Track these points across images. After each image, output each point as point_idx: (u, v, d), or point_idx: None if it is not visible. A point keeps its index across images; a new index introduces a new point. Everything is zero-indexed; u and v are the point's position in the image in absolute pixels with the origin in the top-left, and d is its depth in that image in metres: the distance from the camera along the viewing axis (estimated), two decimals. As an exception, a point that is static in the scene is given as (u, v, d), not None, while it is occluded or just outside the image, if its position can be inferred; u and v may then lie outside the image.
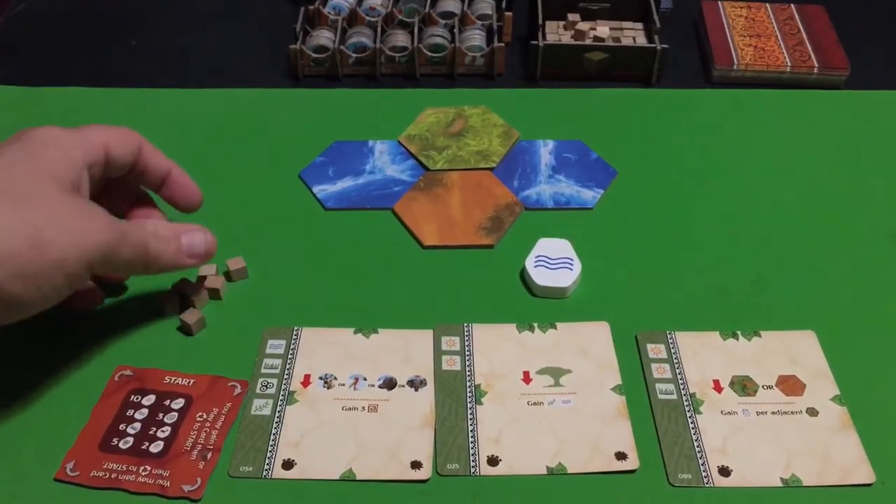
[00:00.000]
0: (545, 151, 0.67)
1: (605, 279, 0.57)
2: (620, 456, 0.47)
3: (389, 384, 0.51)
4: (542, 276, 0.56)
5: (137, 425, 0.48)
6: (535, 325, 0.54)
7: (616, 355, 0.52)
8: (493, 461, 0.47)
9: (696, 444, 0.47)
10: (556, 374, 0.51)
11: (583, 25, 0.77)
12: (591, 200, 0.63)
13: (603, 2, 0.79)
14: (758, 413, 0.49)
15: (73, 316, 0.54)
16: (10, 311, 0.43)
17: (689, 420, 0.49)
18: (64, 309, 0.49)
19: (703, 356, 0.52)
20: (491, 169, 0.65)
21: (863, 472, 0.46)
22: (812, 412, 0.49)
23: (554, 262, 0.57)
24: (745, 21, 0.80)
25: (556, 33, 0.78)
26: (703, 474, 0.46)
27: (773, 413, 0.49)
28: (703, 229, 0.61)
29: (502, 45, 0.75)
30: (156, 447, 0.47)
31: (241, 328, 0.54)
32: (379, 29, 0.75)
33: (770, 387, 0.50)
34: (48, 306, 0.44)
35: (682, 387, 0.50)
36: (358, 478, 0.46)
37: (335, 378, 0.51)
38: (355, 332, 0.53)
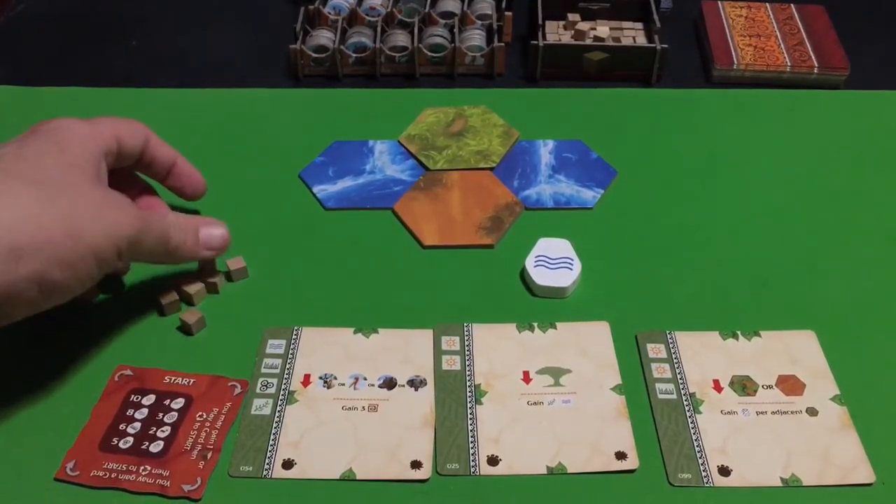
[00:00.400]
0: (545, 151, 0.67)
1: (605, 279, 0.57)
2: (620, 456, 0.47)
3: (389, 384, 0.51)
4: (542, 276, 0.56)
5: (137, 425, 0.48)
6: (535, 324, 0.54)
7: (616, 355, 0.52)
8: (492, 461, 0.47)
9: (695, 443, 0.47)
10: (556, 373, 0.51)
11: (583, 25, 0.77)
12: (591, 200, 0.63)
13: (603, 2, 0.79)
14: (758, 413, 0.49)
15: (73, 316, 0.54)
16: (48, 298, 0.44)
17: (689, 420, 0.49)
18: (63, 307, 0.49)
19: (703, 356, 0.52)
20: (491, 169, 0.65)
21: (862, 472, 0.46)
22: (812, 412, 0.49)
23: (554, 261, 0.57)
24: (745, 21, 0.80)
25: (556, 33, 0.78)
26: (703, 474, 0.46)
27: (773, 413, 0.49)
28: (703, 229, 0.61)
29: (502, 44, 0.75)
30: (156, 447, 0.47)
31: (241, 328, 0.54)
32: (379, 29, 0.75)
33: (770, 386, 0.50)
34: (80, 291, 0.46)
35: (681, 386, 0.50)
36: (358, 477, 0.46)
37: (335, 378, 0.51)
38: (355, 332, 0.53)
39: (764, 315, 0.55)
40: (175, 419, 0.48)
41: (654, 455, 0.47)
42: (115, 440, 0.47)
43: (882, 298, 0.56)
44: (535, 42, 0.73)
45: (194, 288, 0.55)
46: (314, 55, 0.74)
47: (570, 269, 0.56)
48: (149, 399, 0.49)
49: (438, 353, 0.52)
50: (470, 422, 0.48)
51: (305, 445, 0.47)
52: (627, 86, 0.75)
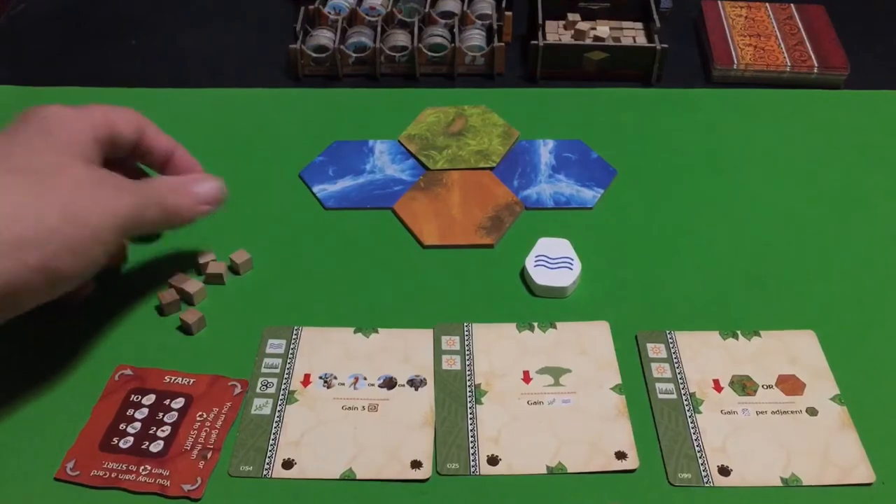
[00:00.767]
0: (545, 151, 0.67)
1: (604, 278, 0.57)
2: (620, 455, 0.47)
3: (389, 384, 0.51)
4: (541, 276, 0.56)
5: (138, 425, 0.48)
6: (535, 324, 0.54)
7: (616, 355, 0.52)
8: (492, 461, 0.47)
9: (695, 443, 0.47)
10: (555, 373, 0.51)
11: (583, 25, 0.77)
12: (590, 200, 0.63)
13: (603, 1, 0.79)
14: (757, 412, 0.49)
15: (73, 315, 0.54)
16: (54, 287, 0.44)
17: (689, 419, 0.49)
18: (61, 304, 0.49)
19: (703, 355, 0.52)
20: (491, 168, 0.65)
21: (862, 472, 0.46)
22: (812, 412, 0.49)
23: (554, 261, 0.57)
24: (744, 21, 0.80)
25: (555, 33, 0.78)
26: (703, 474, 0.46)
27: (773, 412, 0.49)
28: (703, 228, 0.61)
29: (502, 44, 0.75)
30: (156, 447, 0.47)
31: (241, 327, 0.54)
32: (379, 28, 0.75)
33: (770, 386, 0.50)
34: (88, 278, 0.46)
35: (681, 386, 0.50)
36: (358, 477, 0.46)
37: (335, 377, 0.51)
38: (355, 332, 0.53)
39: (764, 315, 0.55)
40: (175, 419, 0.48)
41: (654, 455, 0.47)
42: (115, 440, 0.47)
43: (882, 298, 0.56)
44: (535, 42, 0.73)
45: (194, 288, 0.55)
46: (314, 55, 0.74)
47: (570, 268, 0.56)
48: (149, 399, 0.49)
49: (438, 352, 0.52)
50: (470, 421, 0.48)
51: (305, 445, 0.47)
52: (627, 85, 0.75)
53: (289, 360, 0.52)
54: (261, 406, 0.49)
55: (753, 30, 0.78)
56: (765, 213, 0.62)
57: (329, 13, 0.77)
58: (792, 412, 0.49)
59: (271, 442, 0.47)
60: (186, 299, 0.55)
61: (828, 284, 0.57)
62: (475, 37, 0.76)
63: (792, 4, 0.82)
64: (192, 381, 0.50)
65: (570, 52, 0.74)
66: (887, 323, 0.54)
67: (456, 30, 0.75)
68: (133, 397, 0.49)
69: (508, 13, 0.78)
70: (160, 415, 0.48)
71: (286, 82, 0.75)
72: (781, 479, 0.46)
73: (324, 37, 0.75)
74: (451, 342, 0.53)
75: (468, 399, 0.50)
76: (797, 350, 0.52)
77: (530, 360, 0.52)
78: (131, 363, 0.51)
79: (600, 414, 0.49)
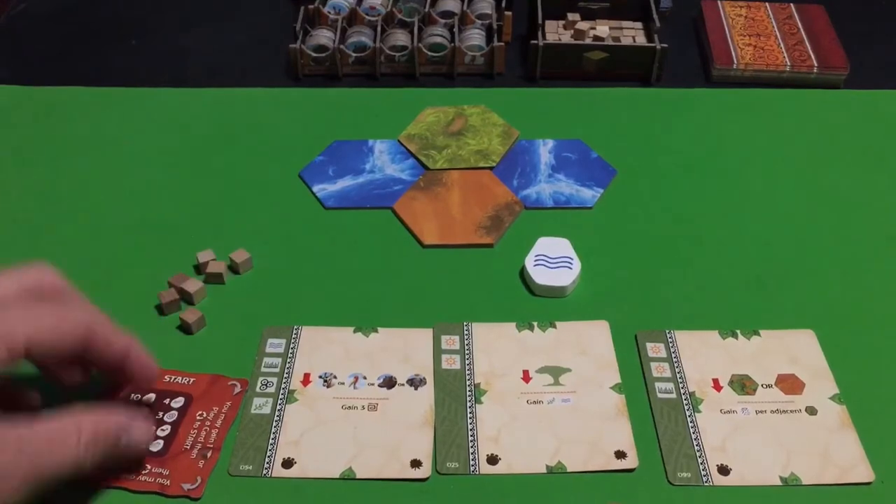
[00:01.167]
0: (545, 151, 0.67)
1: (604, 278, 0.57)
2: (620, 455, 0.47)
3: (389, 383, 0.51)
4: (541, 275, 0.56)
5: None
6: (535, 324, 0.54)
7: (615, 354, 0.52)
8: (492, 460, 0.47)
9: (695, 442, 0.47)
10: (555, 372, 0.51)
11: (582, 25, 0.77)
12: (590, 199, 0.63)
13: (602, 1, 0.79)
14: (757, 412, 0.49)
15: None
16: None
17: (689, 419, 0.49)
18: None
19: (703, 355, 0.52)
20: (491, 168, 0.65)
21: (862, 471, 0.46)
22: (811, 411, 0.49)
23: (553, 261, 0.57)
24: (744, 20, 0.80)
25: (555, 33, 0.78)
26: (703, 473, 0.46)
27: (773, 412, 0.49)
28: (703, 228, 0.61)
29: (502, 44, 0.75)
30: (156, 446, 0.47)
31: (241, 327, 0.54)
32: (379, 28, 0.76)
33: (769, 385, 0.51)
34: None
35: (681, 385, 0.50)
36: (358, 476, 0.46)
37: (335, 377, 0.51)
38: (355, 331, 0.54)
39: (763, 314, 0.55)
40: (175, 418, 0.48)
41: (654, 454, 0.47)
42: None
43: (881, 298, 0.56)
44: (535, 41, 0.73)
45: (194, 287, 0.55)
46: (314, 54, 0.75)
47: (570, 268, 0.56)
48: (148, 398, 0.49)
49: (438, 352, 0.52)
50: (469, 421, 0.49)
51: (305, 444, 0.47)
52: (627, 85, 0.75)
53: (289, 360, 0.52)
54: (261, 405, 0.49)
55: (753, 29, 0.78)
56: (764, 213, 0.62)
57: (329, 13, 0.77)
58: (791, 411, 0.49)
59: (271, 441, 0.47)
60: (186, 299, 0.55)
61: (827, 284, 0.57)
62: (475, 36, 0.76)
63: (791, 4, 0.82)
64: (191, 380, 0.50)
65: (570, 52, 0.74)
66: (887, 322, 0.54)
67: (456, 29, 0.75)
68: (133, 396, 0.49)
69: (508, 13, 0.78)
70: (160, 414, 0.48)
71: (286, 82, 0.75)
72: (781, 478, 0.46)
73: (324, 36, 0.75)
74: (450, 342, 0.53)
75: (468, 398, 0.50)
76: (797, 349, 0.52)
77: (530, 360, 0.52)
78: (131, 362, 0.51)
79: (600, 413, 0.49)
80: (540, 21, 0.76)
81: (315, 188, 0.64)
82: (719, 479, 0.46)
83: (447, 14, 0.78)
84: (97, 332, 0.42)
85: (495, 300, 0.56)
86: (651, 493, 0.45)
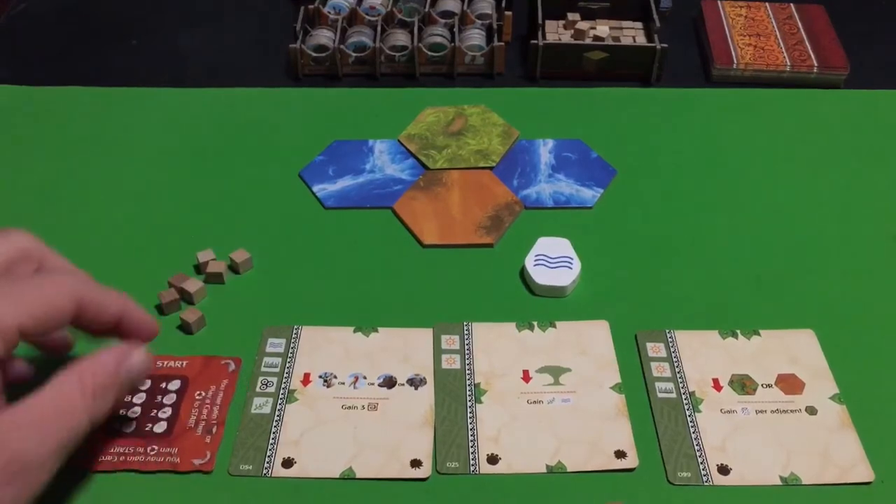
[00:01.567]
0: (545, 150, 0.67)
1: (604, 278, 0.57)
2: (620, 454, 0.47)
3: (389, 383, 0.51)
4: (541, 275, 0.56)
5: (137, 409, 0.49)
6: (535, 323, 0.54)
7: (615, 354, 0.52)
8: (492, 460, 0.47)
9: (695, 442, 0.47)
10: (555, 372, 0.51)
11: (582, 25, 0.77)
12: (590, 199, 0.63)
13: (602, 1, 0.79)
14: (757, 411, 0.49)
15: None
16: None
17: (689, 418, 0.49)
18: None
19: (703, 355, 0.52)
20: (491, 168, 0.65)
21: (862, 471, 0.46)
22: (811, 411, 0.49)
23: (553, 260, 0.57)
24: (744, 20, 0.80)
25: (555, 32, 0.78)
26: (703, 473, 0.46)
27: (773, 412, 0.49)
28: (703, 228, 0.61)
29: (502, 44, 0.75)
30: (159, 427, 0.48)
31: (240, 326, 0.54)
32: (379, 28, 0.76)
33: (769, 385, 0.51)
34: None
35: (681, 385, 0.50)
36: (358, 476, 0.46)
37: (335, 377, 0.51)
38: (355, 331, 0.54)
39: (763, 314, 0.55)
40: (174, 400, 0.49)
41: (654, 454, 0.47)
42: (117, 425, 0.48)
43: (881, 297, 0.56)
44: (535, 41, 0.73)
45: (194, 287, 0.55)
46: (314, 54, 0.75)
47: (570, 268, 0.56)
48: (144, 384, 0.50)
49: (438, 352, 0.52)
50: (470, 421, 0.49)
51: (305, 444, 0.47)
52: (627, 85, 0.75)
53: (289, 360, 0.52)
54: (261, 405, 0.49)
55: (753, 29, 0.78)
56: (764, 213, 0.62)
57: (329, 13, 0.77)
58: (791, 411, 0.49)
59: (271, 441, 0.47)
60: (186, 298, 0.55)
61: (827, 284, 0.57)
62: (475, 36, 0.76)
63: (791, 4, 0.82)
64: (184, 363, 0.51)
65: (570, 52, 0.74)
66: (886, 322, 0.54)
67: (456, 29, 0.75)
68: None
69: (508, 13, 0.78)
70: (158, 397, 0.49)
71: (286, 82, 0.75)
72: (781, 478, 0.46)
73: (324, 36, 0.75)
74: (450, 341, 0.53)
75: (468, 398, 0.50)
76: (797, 349, 0.52)
77: (530, 360, 0.52)
78: (131, 362, 0.51)
79: (600, 413, 0.49)
80: (540, 21, 0.76)
81: (315, 188, 0.64)
82: (719, 479, 0.46)
83: (447, 14, 0.78)
84: (88, 300, 0.40)
85: (495, 300, 0.56)
86: (651, 493, 0.45)
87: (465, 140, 0.67)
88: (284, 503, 0.45)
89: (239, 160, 0.66)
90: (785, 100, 0.73)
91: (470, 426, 0.48)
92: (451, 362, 0.52)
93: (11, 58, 0.78)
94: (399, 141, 0.68)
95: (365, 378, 0.51)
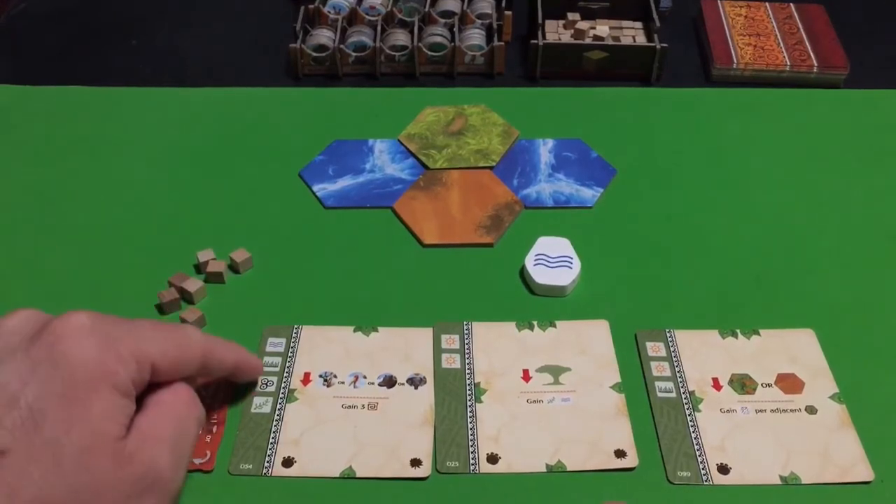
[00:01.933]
0: (545, 150, 0.67)
1: (604, 277, 0.57)
2: (620, 454, 0.47)
3: (389, 382, 0.51)
4: (541, 275, 0.56)
5: None
6: (535, 323, 0.54)
7: (615, 353, 0.52)
8: (492, 459, 0.47)
9: (695, 442, 0.47)
10: (555, 372, 0.51)
11: (582, 24, 0.77)
12: (590, 199, 0.63)
13: (602, 1, 0.79)
14: (757, 411, 0.49)
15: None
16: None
17: (689, 418, 0.49)
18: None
19: (703, 354, 0.52)
20: (491, 168, 0.65)
21: (861, 470, 0.46)
22: (811, 410, 0.49)
23: (553, 260, 0.57)
24: (744, 20, 0.80)
25: (555, 32, 0.78)
26: (703, 472, 0.46)
27: (773, 411, 0.49)
28: (703, 227, 0.61)
29: (502, 44, 0.75)
30: None
31: (240, 326, 0.54)
32: (379, 28, 0.76)
33: (769, 385, 0.51)
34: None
35: (681, 385, 0.50)
36: (358, 475, 0.46)
37: (335, 376, 0.51)
38: (355, 331, 0.54)
39: (763, 313, 0.55)
40: None
41: (654, 453, 0.47)
42: None
43: (881, 297, 0.56)
44: (535, 41, 0.73)
45: (194, 286, 0.55)
46: (314, 54, 0.75)
47: (570, 267, 0.56)
48: None
49: (438, 351, 0.52)
50: (469, 420, 0.49)
51: (305, 443, 0.47)
52: (627, 85, 0.75)
53: (289, 359, 0.52)
54: (261, 404, 0.49)
55: (753, 29, 0.79)
56: (764, 212, 0.62)
57: (329, 12, 0.77)
58: (791, 411, 0.49)
59: (271, 440, 0.47)
60: (186, 298, 0.55)
61: (827, 283, 0.57)
62: (475, 36, 0.76)
63: (791, 4, 0.82)
64: None
65: (570, 52, 0.74)
66: (886, 322, 0.54)
67: (456, 29, 0.75)
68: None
69: (508, 12, 0.78)
70: None
71: (286, 82, 0.75)
72: (780, 477, 0.46)
73: (324, 36, 0.75)
74: (450, 341, 0.53)
75: (468, 397, 0.50)
76: (796, 349, 0.52)
77: (530, 359, 0.52)
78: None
79: (600, 412, 0.49)
80: (540, 21, 0.76)
81: (315, 188, 0.64)
82: (719, 479, 0.46)
83: (447, 14, 0.78)
84: (212, 355, 0.43)
85: (495, 299, 0.56)
86: (651, 493, 0.45)
87: (465, 140, 0.68)
88: (284, 502, 0.45)
89: (239, 160, 0.66)
90: (785, 100, 0.73)
91: (470, 425, 0.48)
92: (451, 362, 0.52)
93: (11, 58, 0.78)
94: (399, 141, 0.68)
95: (365, 377, 0.51)
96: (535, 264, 0.56)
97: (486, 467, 0.46)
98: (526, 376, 0.51)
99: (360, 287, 0.57)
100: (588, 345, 0.53)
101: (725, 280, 0.57)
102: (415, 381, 0.51)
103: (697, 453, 0.47)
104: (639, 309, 0.55)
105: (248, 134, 0.69)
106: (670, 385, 0.50)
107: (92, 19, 0.83)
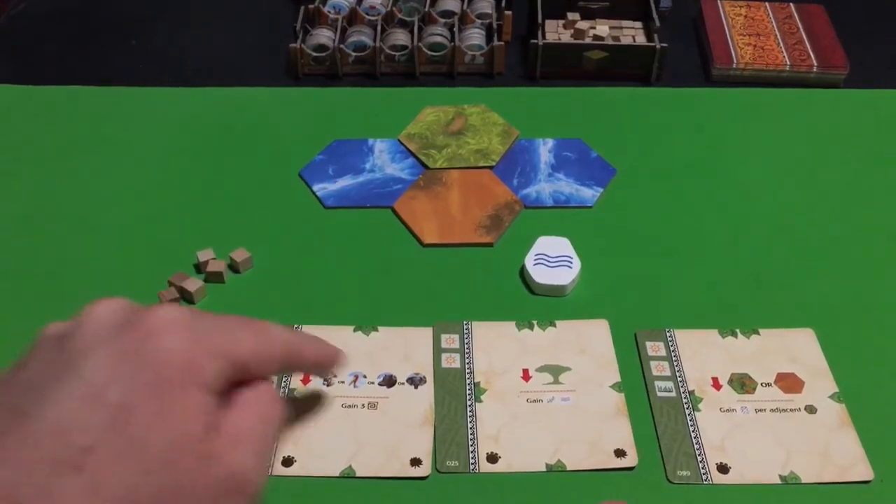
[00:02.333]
0: (545, 150, 0.67)
1: (604, 277, 0.57)
2: (619, 453, 0.47)
3: (389, 382, 0.51)
4: (541, 275, 0.56)
5: None
6: (535, 322, 0.54)
7: (615, 353, 0.52)
8: (492, 458, 0.47)
9: (694, 441, 0.47)
10: (555, 371, 0.51)
11: (582, 24, 0.77)
12: (590, 199, 0.63)
13: (602, 1, 0.79)
14: (756, 410, 0.49)
15: (72, 314, 0.54)
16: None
17: (688, 417, 0.49)
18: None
19: (703, 354, 0.52)
20: (490, 167, 0.65)
21: (861, 470, 0.46)
22: (811, 410, 0.49)
23: (553, 260, 0.57)
24: (744, 20, 0.80)
25: (555, 32, 0.78)
26: (702, 472, 0.46)
27: (772, 410, 0.49)
28: (703, 227, 0.61)
29: (502, 43, 0.75)
30: None
31: (241, 326, 0.54)
32: (379, 28, 0.76)
33: (769, 384, 0.51)
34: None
35: (681, 384, 0.50)
36: (357, 475, 0.46)
37: (335, 375, 0.51)
38: (355, 330, 0.54)
39: (763, 313, 0.55)
40: None
41: (653, 453, 0.47)
42: None
43: (881, 297, 0.56)
44: (535, 41, 0.74)
45: (194, 286, 0.55)
46: (314, 54, 0.75)
47: (570, 267, 0.56)
48: None
49: (438, 351, 0.52)
50: (469, 419, 0.49)
51: (305, 443, 0.47)
52: (627, 85, 0.75)
53: (288, 359, 0.52)
54: (261, 404, 0.49)
55: (753, 29, 0.79)
56: (764, 212, 0.62)
57: (329, 12, 0.77)
58: (791, 410, 0.49)
59: (271, 440, 0.47)
60: (186, 298, 0.55)
61: (827, 283, 0.57)
62: (475, 36, 0.76)
63: (791, 4, 0.82)
64: None
65: (570, 52, 0.74)
66: (886, 321, 0.54)
67: (456, 29, 0.75)
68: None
69: (508, 12, 0.78)
70: None
71: (286, 82, 0.75)
72: (780, 476, 0.46)
73: (324, 36, 0.75)
74: (450, 340, 0.53)
75: (468, 397, 0.50)
76: (796, 348, 0.52)
77: (530, 359, 0.52)
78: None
79: (600, 412, 0.49)
80: (540, 20, 0.76)
81: (315, 187, 0.64)
82: (719, 478, 0.46)
83: (447, 13, 0.78)
84: (296, 353, 0.41)
85: (495, 299, 0.56)
86: (650, 492, 0.45)
87: (465, 139, 0.68)
88: (284, 502, 0.45)
89: (239, 160, 0.66)
90: (785, 99, 0.73)
91: (470, 425, 0.48)
92: (451, 361, 0.52)
93: (11, 58, 0.78)
94: (399, 140, 0.68)
95: (365, 377, 0.51)
96: (535, 264, 0.56)
97: (485, 467, 0.46)
98: (526, 376, 0.51)
99: (360, 287, 0.57)
100: (588, 344, 0.53)
101: (725, 280, 0.57)
102: (415, 381, 0.51)
103: (697, 453, 0.47)
104: (639, 308, 0.55)
105: (248, 134, 0.69)
106: (670, 384, 0.50)
107: (92, 19, 0.83)
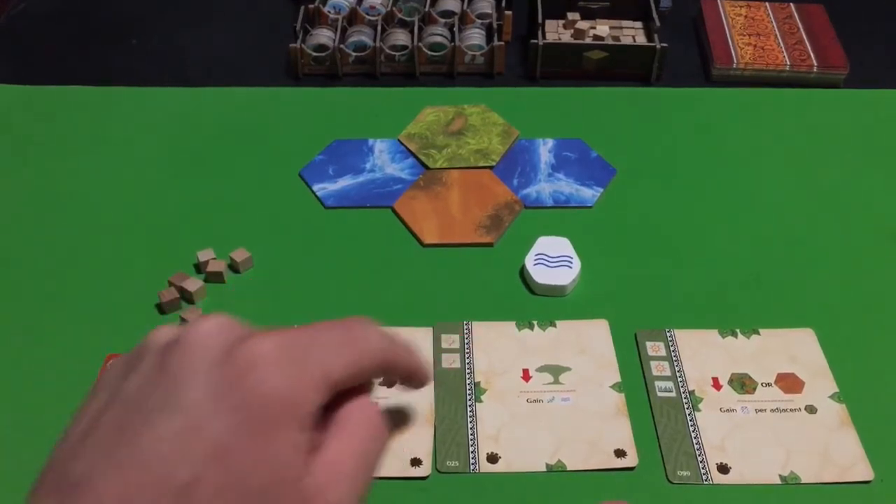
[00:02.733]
0: (545, 150, 0.67)
1: (604, 277, 0.57)
2: (619, 453, 0.47)
3: (389, 382, 0.51)
4: (541, 275, 0.56)
5: None
6: (535, 322, 0.54)
7: (615, 353, 0.52)
8: (492, 458, 0.47)
9: (694, 441, 0.47)
10: (555, 371, 0.51)
11: (582, 24, 0.77)
12: (590, 199, 0.63)
13: (602, 1, 0.79)
14: (757, 410, 0.49)
15: (73, 313, 0.54)
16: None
17: (688, 417, 0.49)
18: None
19: (703, 354, 0.52)
20: (491, 167, 0.65)
21: (861, 470, 0.46)
22: (811, 410, 0.49)
23: (553, 260, 0.57)
24: (744, 20, 0.80)
25: (555, 32, 0.78)
26: (702, 472, 0.46)
27: (772, 410, 0.49)
28: (703, 227, 0.61)
29: (502, 43, 0.75)
30: None
31: (241, 326, 0.54)
32: (379, 28, 0.76)
33: (769, 384, 0.51)
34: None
35: (681, 384, 0.50)
36: (358, 475, 0.46)
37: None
38: (355, 330, 0.53)
39: (763, 313, 0.55)
40: None
41: (654, 453, 0.47)
42: None
43: (881, 297, 0.56)
44: (535, 41, 0.73)
45: (194, 286, 0.55)
46: (314, 54, 0.75)
47: (570, 267, 0.56)
48: None
49: (438, 351, 0.52)
50: (469, 419, 0.49)
51: (305, 443, 0.47)
52: (627, 85, 0.75)
53: (289, 359, 0.52)
54: (261, 404, 0.49)
55: (753, 29, 0.79)
56: (764, 212, 0.62)
57: (329, 12, 0.77)
58: (791, 410, 0.49)
59: (271, 440, 0.47)
60: (186, 298, 0.55)
61: (827, 283, 0.57)
62: (475, 36, 0.76)
63: (791, 4, 0.82)
64: None
65: (570, 52, 0.74)
66: (886, 321, 0.54)
67: (456, 29, 0.75)
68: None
69: (508, 12, 0.78)
70: None
71: (286, 81, 0.75)
72: (780, 476, 0.46)
73: (324, 36, 0.75)
74: (450, 340, 0.53)
75: (468, 397, 0.50)
76: (796, 348, 0.52)
77: (530, 359, 0.52)
78: (131, 361, 0.51)
79: (600, 412, 0.49)
80: (540, 20, 0.76)
81: (315, 187, 0.64)
82: (719, 478, 0.46)
83: (447, 13, 0.78)
84: (392, 363, 0.38)
85: (495, 299, 0.56)
86: (651, 492, 0.45)
87: (465, 139, 0.68)
88: (284, 502, 0.45)
89: (239, 160, 0.66)
90: (785, 99, 0.73)
91: (470, 425, 0.48)
92: (451, 361, 0.52)
93: (11, 58, 0.78)
94: (399, 140, 0.68)
95: (365, 377, 0.51)
96: (535, 264, 0.56)
97: (485, 467, 0.46)
98: (526, 376, 0.51)
99: (360, 286, 0.57)
100: (588, 344, 0.53)
101: (725, 279, 0.57)
102: (415, 381, 0.51)
103: (697, 453, 0.47)
104: (639, 309, 0.55)
105: (248, 134, 0.69)
106: (670, 384, 0.50)
107: (92, 19, 0.83)
